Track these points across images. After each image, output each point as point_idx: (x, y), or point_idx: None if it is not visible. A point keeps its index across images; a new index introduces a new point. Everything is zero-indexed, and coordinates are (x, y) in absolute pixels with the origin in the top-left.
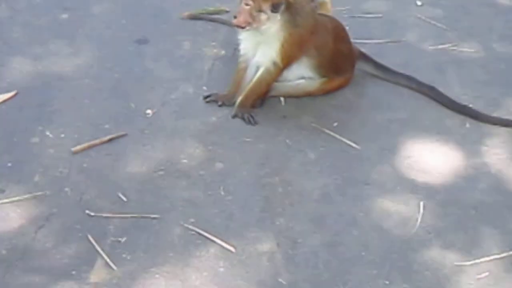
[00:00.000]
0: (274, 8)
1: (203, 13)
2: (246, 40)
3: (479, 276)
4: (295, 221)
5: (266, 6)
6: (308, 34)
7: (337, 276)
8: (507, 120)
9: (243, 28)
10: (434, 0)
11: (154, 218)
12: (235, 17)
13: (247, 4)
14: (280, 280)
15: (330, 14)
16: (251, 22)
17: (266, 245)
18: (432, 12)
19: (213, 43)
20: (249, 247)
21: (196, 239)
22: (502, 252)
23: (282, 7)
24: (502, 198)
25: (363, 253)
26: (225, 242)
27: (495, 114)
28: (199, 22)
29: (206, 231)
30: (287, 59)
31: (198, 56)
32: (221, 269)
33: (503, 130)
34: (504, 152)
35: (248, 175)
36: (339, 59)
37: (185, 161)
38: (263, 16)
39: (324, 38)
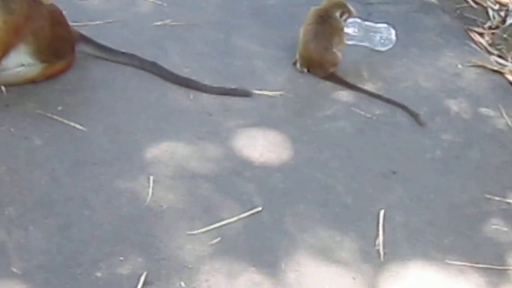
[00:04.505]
0: None
1: None
2: None
3: (211, 242)
4: (25, 209)
5: None
6: (23, 20)
7: (71, 258)
8: (228, 88)
9: None
10: None
11: None
12: None
13: None
14: (13, 269)
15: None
16: None
17: None
18: None
19: None
20: None
21: None
22: (233, 217)
23: None
24: (230, 165)
25: (96, 233)
26: None
27: (216, 84)
28: None
29: None
30: (4, 47)
31: None
32: None
33: (225, 98)
34: (226, 121)
35: None
36: (58, 43)
37: None
38: None
39: (41, 23)
